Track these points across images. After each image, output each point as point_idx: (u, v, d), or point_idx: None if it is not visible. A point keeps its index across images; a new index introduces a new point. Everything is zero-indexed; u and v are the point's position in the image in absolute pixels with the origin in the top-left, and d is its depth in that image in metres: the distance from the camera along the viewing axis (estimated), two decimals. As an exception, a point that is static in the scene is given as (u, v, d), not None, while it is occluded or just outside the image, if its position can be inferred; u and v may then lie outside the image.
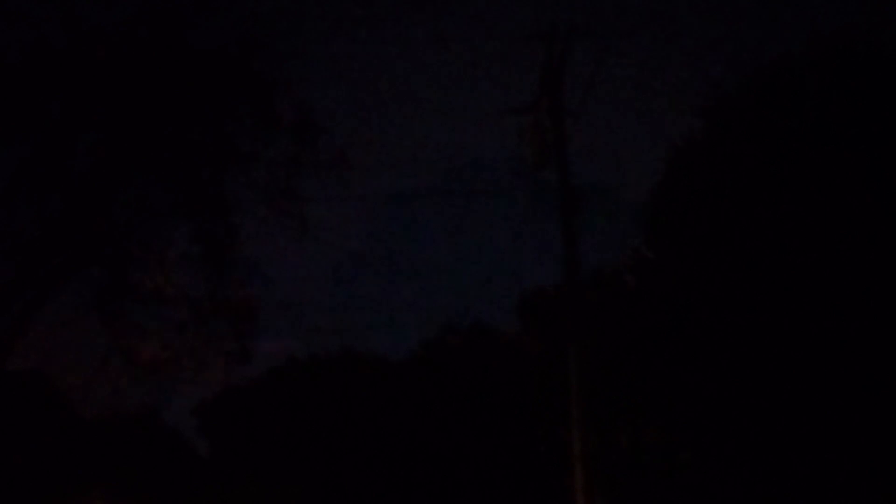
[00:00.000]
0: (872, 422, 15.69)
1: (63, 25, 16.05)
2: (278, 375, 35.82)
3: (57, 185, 16.89)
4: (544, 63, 14.48)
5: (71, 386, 22.00)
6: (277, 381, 35.29)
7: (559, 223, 14.42)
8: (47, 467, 24.69)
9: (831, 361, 15.95)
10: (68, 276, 17.42)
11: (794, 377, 16.15)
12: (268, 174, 17.03)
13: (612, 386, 16.51)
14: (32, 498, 23.55)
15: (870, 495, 15.53)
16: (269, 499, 31.84)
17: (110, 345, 17.95)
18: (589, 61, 14.41)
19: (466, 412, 29.56)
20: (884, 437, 15.49)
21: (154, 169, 16.88)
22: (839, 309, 15.81)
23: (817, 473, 16.06)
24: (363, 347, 38.56)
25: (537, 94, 14.79)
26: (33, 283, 16.71)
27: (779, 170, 16.31)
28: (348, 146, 17.37)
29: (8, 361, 17.54)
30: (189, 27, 16.53)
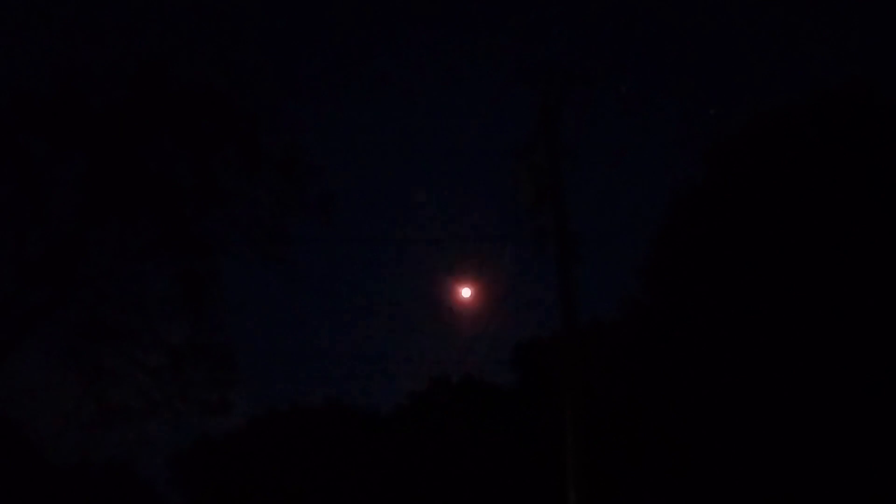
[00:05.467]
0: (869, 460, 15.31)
1: (49, 68, 15.77)
2: (258, 427, 34.80)
3: (35, 223, 16.38)
4: (541, 104, 14.12)
5: (41, 434, 21.33)
6: (258, 433, 34.27)
7: (556, 270, 13.85)
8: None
9: (833, 408, 15.57)
10: (43, 318, 16.76)
11: (798, 425, 15.71)
12: (252, 214, 16.56)
13: (611, 438, 15.96)
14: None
15: None
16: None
17: (82, 390, 17.26)
18: (587, 102, 14.07)
19: (458, 468, 28.70)
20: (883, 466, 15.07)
21: (135, 205, 16.36)
22: (843, 356, 15.48)
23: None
24: (349, 399, 37.76)
25: (533, 135, 14.38)
26: (6, 324, 16.06)
27: (781, 217, 16.04)
28: (338, 187, 16.99)
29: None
30: (176, 64, 16.24)
